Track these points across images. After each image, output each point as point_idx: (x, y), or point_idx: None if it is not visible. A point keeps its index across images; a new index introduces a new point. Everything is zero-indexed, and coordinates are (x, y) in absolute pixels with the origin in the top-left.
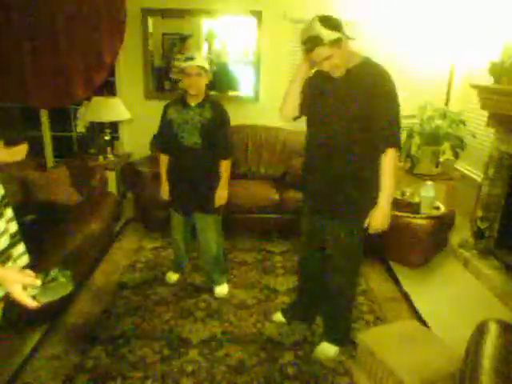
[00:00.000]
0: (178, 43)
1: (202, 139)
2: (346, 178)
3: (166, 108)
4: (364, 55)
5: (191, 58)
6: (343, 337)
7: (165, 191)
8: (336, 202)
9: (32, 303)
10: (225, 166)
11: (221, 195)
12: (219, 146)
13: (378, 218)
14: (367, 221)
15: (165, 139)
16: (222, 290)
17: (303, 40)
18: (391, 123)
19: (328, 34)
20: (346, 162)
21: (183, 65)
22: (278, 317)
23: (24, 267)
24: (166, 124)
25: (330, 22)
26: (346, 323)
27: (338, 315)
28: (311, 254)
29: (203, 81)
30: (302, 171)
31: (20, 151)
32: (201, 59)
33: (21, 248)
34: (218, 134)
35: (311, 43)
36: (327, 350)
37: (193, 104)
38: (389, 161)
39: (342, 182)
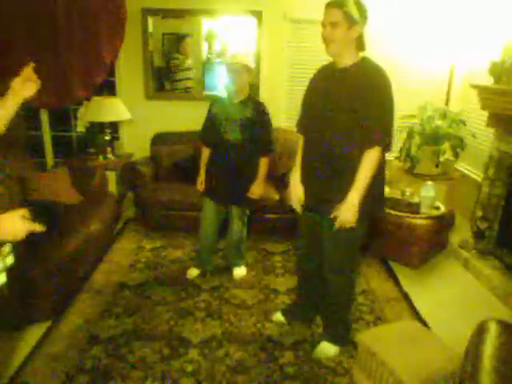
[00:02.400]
0: (175, 43)
1: (242, 135)
2: (343, 174)
3: (211, 103)
4: (364, 56)
5: (233, 56)
6: (343, 336)
7: (200, 182)
8: (334, 198)
9: None
10: (262, 163)
11: (253, 190)
12: (259, 142)
13: (344, 212)
14: (334, 213)
15: (208, 133)
16: (240, 272)
17: None
18: (380, 123)
19: (351, 6)
20: (342, 158)
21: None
22: (278, 317)
23: (9, 267)
24: (209, 118)
25: (360, 4)
26: (346, 322)
27: (337, 314)
28: (309, 253)
29: (245, 78)
30: (301, 169)
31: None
32: (241, 57)
33: (7, 248)
34: (259, 131)
35: (335, 2)
36: (327, 349)
37: (236, 101)
38: (371, 156)
39: (340, 178)
